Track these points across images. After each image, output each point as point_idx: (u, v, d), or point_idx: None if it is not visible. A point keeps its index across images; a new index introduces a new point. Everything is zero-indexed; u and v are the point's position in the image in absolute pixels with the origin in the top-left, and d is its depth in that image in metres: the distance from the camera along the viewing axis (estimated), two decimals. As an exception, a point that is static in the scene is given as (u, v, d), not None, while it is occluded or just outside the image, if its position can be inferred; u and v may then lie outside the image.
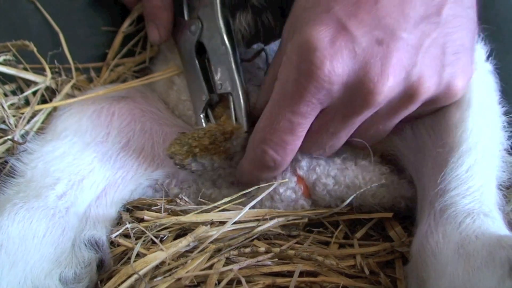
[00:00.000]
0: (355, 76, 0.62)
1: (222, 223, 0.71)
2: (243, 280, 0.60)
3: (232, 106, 0.78)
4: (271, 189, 0.73)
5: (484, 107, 0.70)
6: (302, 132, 0.67)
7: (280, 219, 0.73)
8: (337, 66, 0.61)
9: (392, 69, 0.61)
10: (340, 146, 0.73)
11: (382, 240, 0.75)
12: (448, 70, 0.65)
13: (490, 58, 0.75)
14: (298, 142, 0.69)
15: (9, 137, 0.79)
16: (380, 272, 0.68)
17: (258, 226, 0.71)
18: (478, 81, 0.70)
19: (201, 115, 0.82)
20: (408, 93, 0.64)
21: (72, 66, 0.90)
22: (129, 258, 0.68)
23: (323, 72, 0.61)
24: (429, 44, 0.63)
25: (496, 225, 0.62)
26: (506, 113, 0.73)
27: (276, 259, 0.68)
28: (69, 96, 0.87)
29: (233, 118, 0.78)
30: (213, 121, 0.82)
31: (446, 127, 0.69)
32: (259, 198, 0.72)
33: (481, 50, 0.74)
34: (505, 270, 0.53)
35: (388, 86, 0.62)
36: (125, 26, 0.94)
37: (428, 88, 0.64)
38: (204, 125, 0.81)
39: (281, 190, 0.76)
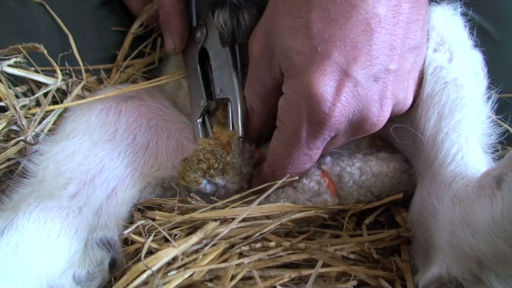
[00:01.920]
0: (359, 113, 0.66)
1: (234, 219, 0.70)
2: (255, 273, 0.60)
3: (229, 111, 0.78)
4: (276, 186, 0.71)
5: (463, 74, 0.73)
6: (318, 156, 0.72)
7: (293, 215, 0.71)
8: (344, 110, 0.65)
9: (389, 102, 0.67)
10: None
11: (390, 226, 0.77)
12: (414, 87, 0.71)
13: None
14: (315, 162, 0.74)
15: (21, 138, 0.78)
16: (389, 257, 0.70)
17: (270, 224, 0.70)
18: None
19: (198, 121, 0.82)
20: (396, 112, 0.70)
21: (82, 67, 0.90)
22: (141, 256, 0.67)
23: (333, 117, 0.65)
24: (414, 68, 0.70)
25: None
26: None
27: (289, 251, 0.67)
28: (79, 97, 0.86)
29: (230, 123, 0.78)
30: (209, 128, 0.82)
31: (420, 102, 0.72)
32: (266, 194, 0.70)
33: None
34: (493, 186, 0.57)
35: (386, 117, 0.68)
36: (135, 28, 0.93)
37: (409, 104, 0.71)
38: (200, 131, 0.82)
39: (305, 181, 0.75)
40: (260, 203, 0.70)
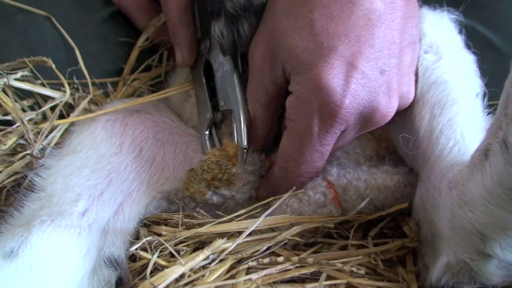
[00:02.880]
0: (369, 105, 0.67)
1: (240, 232, 0.70)
2: None
3: (233, 122, 0.78)
4: (284, 198, 0.73)
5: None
6: (329, 152, 0.72)
7: (299, 226, 0.71)
8: (354, 101, 0.66)
9: (396, 93, 0.69)
10: None
11: (395, 236, 0.77)
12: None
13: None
14: (325, 160, 0.74)
15: (28, 151, 0.78)
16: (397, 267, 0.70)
17: (276, 236, 0.69)
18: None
19: (206, 133, 0.82)
20: (400, 106, 0.72)
21: (89, 81, 0.89)
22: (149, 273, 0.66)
23: (344, 110, 0.66)
24: (413, 62, 0.73)
25: None
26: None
27: (297, 264, 0.67)
28: (86, 111, 0.86)
29: (235, 135, 0.78)
30: (216, 140, 0.82)
31: (413, 102, 0.74)
32: (273, 207, 0.71)
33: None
34: (481, 159, 0.59)
35: (395, 108, 0.70)
36: (141, 41, 0.93)
37: (412, 98, 0.73)
38: (207, 142, 0.82)
39: (311, 193, 0.75)
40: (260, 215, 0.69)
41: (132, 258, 0.72)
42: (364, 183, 0.75)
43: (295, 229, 0.71)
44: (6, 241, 0.63)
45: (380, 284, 0.66)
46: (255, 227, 0.69)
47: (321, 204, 0.75)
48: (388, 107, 0.69)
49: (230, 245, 0.66)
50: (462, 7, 0.80)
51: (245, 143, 0.77)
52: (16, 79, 0.83)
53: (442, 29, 0.78)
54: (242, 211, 0.73)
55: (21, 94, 0.86)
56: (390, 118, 0.70)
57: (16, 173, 0.79)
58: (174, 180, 0.81)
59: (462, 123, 0.70)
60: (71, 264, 0.65)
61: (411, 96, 0.72)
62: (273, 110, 0.75)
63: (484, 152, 0.59)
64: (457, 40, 0.79)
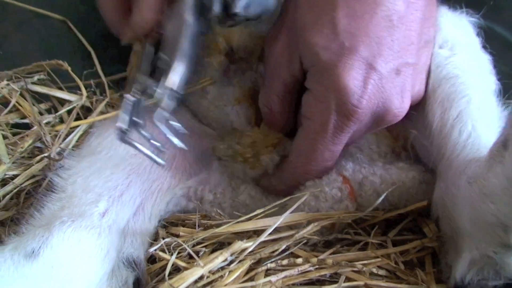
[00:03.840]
0: (382, 105, 0.68)
1: (258, 232, 0.69)
2: None
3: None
4: (303, 199, 0.71)
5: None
6: (339, 153, 0.72)
7: (316, 224, 0.70)
8: (370, 102, 0.66)
9: (408, 94, 0.69)
10: None
11: (414, 237, 0.75)
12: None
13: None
14: (335, 161, 0.74)
15: (46, 154, 0.77)
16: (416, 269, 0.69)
17: (294, 234, 0.68)
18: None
19: None
20: (412, 102, 0.71)
21: (106, 84, 0.88)
22: (168, 275, 0.65)
23: (361, 109, 0.66)
24: (427, 61, 0.73)
25: None
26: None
27: (316, 266, 0.66)
28: (103, 114, 0.85)
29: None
30: None
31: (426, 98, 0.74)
32: (294, 207, 0.69)
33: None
34: (501, 150, 0.59)
35: (407, 108, 0.70)
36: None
37: (422, 94, 0.73)
38: None
39: (327, 189, 0.73)
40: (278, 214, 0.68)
41: (151, 259, 0.71)
42: (380, 178, 0.74)
43: (313, 227, 0.69)
44: (27, 241, 0.63)
45: (399, 286, 0.65)
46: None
47: (338, 200, 0.74)
48: (401, 107, 0.69)
49: (250, 246, 0.65)
50: (484, 9, 0.79)
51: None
52: (33, 83, 0.83)
53: (459, 28, 0.78)
54: (259, 211, 0.71)
55: (38, 98, 0.86)
56: (401, 117, 0.70)
57: (34, 176, 0.78)
58: (200, 173, 0.81)
59: (472, 115, 0.69)
60: (91, 264, 0.64)
61: (422, 93, 0.73)
62: (290, 101, 0.75)
63: (503, 143, 0.58)
64: (474, 41, 0.78)
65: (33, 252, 0.61)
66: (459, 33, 0.76)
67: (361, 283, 0.64)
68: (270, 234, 0.67)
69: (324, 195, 0.73)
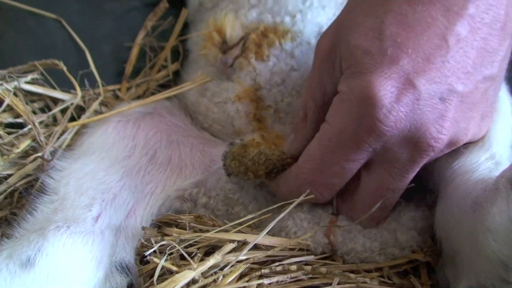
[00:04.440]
0: (415, 131, 0.59)
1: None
2: None
3: None
4: (294, 204, 0.67)
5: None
6: (351, 175, 0.65)
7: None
8: (399, 122, 0.59)
9: (449, 125, 0.60)
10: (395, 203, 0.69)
11: None
12: (485, 120, 0.66)
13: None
14: (344, 183, 0.67)
15: (39, 154, 0.76)
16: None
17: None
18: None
19: None
20: (452, 143, 0.63)
21: (100, 83, 0.87)
22: (160, 276, 0.64)
23: (386, 126, 0.59)
24: (482, 100, 0.63)
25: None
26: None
27: (310, 275, 0.65)
28: (97, 113, 0.84)
29: None
30: None
31: None
32: (280, 216, 0.66)
33: None
34: (508, 188, 0.55)
35: (444, 142, 0.61)
36: (140, 38, 0.91)
37: (468, 138, 0.65)
38: None
39: (306, 224, 0.70)
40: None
41: (144, 260, 0.70)
42: (369, 250, 0.69)
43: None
44: (22, 248, 0.62)
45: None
46: (259, 243, 0.66)
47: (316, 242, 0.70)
48: (437, 138, 0.60)
49: (240, 253, 0.64)
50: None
51: None
52: (27, 82, 0.82)
53: None
54: (250, 216, 0.70)
55: (32, 97, 0.84)
56: (436, 151, 0.61)
57: (28, 175, 0.77)
58: (196, 175, 0.79)
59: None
60: (86, 271, 0.63)
61: (468, 136, 0.64)
62: (325, 113, 0.67)
63: (510, 181, 0.55)
64: None
65: (28, 260, 0.61)
66: None
67: (353, 285, 0.64)
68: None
69: (303, 224, 0.71)
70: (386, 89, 0.58)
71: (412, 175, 0.64)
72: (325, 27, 0.76)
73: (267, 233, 0.65)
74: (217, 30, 0.81)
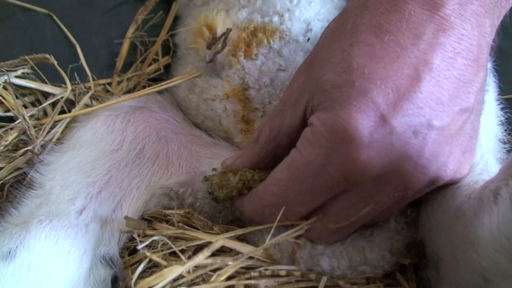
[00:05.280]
0: (389, 168, 0.55)
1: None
2: None
3: None
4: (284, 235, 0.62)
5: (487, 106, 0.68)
6: (316, 206, 0.61)
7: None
8: (372, 161, 0.54)
9: (425, 162, 0.56)
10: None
11: None
12: (466, 155, 0.61)
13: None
14: (310, 210, 0.62)
15: (29, 148, 0.75)
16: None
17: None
18: None
19: None
20: (432, 181, 0.58)
21: (90, 76, 0.86)
22: (147, 269, 0.65)
23: (357, 166, 0.54)
24: (460, 133, 0.58)
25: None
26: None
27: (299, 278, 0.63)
28: (87, 106, 0.83)
29: None
30: None
31: None
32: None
33: None
34: (490, 200, 0.52)
35: (420, 180, 0.57)
36: (131, 33, 0.90)
37: (449, 175, 0.59)
38: None
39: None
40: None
41: (130, 251, 0.70)
42: (338, 268, 0.65)
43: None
44: (3, 241, 0.61)
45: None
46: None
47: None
48: (414, 176, 0.56)
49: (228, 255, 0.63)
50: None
51: None
52: (17, 76, 0.81)
53: None
54: (239, 231, 0.68)
55: (23, 92, 0.83)
56: (413, 188, 0.57)
57: (18, 169, 0.76)
58: (181, 175, 0.78)
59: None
60: (69, 264, 0.62)
61: (447, 172, 0.58)
62: (278, 144, 0.65)
63: (494, 194, 0.52)
64: None
65: (9, 252, 0.60)
66: None
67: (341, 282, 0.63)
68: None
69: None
70: (357, 123, 0.53)
71: (383, 207, 0.61)
72: (312, 23, 0.75)
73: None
74: (208, 26, 0.80)
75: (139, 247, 0.64)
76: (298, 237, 0.65)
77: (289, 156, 0.61)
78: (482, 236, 0.52)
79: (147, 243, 0.64)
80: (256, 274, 0.62)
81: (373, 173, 0.55)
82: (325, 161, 0.56)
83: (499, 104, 0.73)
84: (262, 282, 0.61)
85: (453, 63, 0.55)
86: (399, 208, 0.65)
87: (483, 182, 0.59)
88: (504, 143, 0.72)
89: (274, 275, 0.63)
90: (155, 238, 0.64)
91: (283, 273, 0.63)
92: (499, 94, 0.73)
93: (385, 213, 0.64)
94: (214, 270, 0.61)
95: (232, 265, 0.61)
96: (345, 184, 0.57)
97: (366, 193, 0.58)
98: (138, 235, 0.67)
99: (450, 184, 0.61)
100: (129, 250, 0.71)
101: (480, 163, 0.64)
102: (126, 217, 0.70)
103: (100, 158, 0.73)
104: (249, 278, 0.62)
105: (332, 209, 0.61)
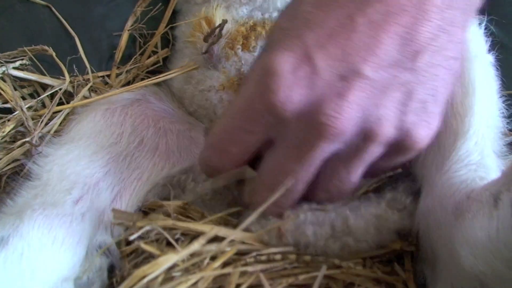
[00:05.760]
0: (310, 107, 0.54)
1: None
2: (263, 278, 0.56)
3: None
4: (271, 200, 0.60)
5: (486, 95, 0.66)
6: (249, 149, 0.61)
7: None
8: (292, 95, 0.54)
9: (347, 105, 0.54)
10: (299, 192, 0.63)
11: None
12: (410, 116, 0.57)
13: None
14: (242, 158, 0.62)
15: (27, 139, 0.75)
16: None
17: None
18: (481, 72, 0.67)
19: None
20: (366, 134, 0.56)
21: (89, 69, 0.85)
22: (145, 259, 0.64)
23: (277, 98, 0.54)
24: (395, 88, 0.56)
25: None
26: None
27: (296, 263, 0.62)
28: (86, 98, 0.82)
29: None
30: None
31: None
32: (256, 214, 0.60)
33: (483, 42, 0.71)
34: (490, 204, 0.52)
35: (341, 122, 0.54)
36: (130, 25, 0.89)
37: (387, 131, 0.56)
38: None
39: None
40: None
41: (129, 244, 0.68)
42: (322, 237, 0.63)
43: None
44: None
45: (379, 276, 0.62)
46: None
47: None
48: (333, 116, 0.54)
49: (226, 240, 0.61)
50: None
51: None
52: (15, 68, 0.80)
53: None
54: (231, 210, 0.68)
55: (22, 84, 0.83)
56: (334, 132, 0.55)
57: (16, 160, 0.76)
58: (183, 163, 0.77)
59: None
60: (63, 252, 0.61)
61: (381, 127, 0.56)
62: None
63: (494, 197, 0.52)
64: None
65: (1, 240, 0.59)
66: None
67: (337, 271, 0.62)
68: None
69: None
70: (283, 59, 0.54)
71: (311, 161, 0.58)
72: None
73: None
74: (207, 20, 0.79)
75: (132, 237, 0.63)
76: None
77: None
78: (480, 239, 0.51)
79: (138, 233, 0.63)
80: (252, 260, 0.61)
81: (293, 107, 0.54)
82: (252, 94, 0.57)
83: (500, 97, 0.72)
84: (258, 268, 0.60)
85: (396, 18, 0.54)
86: (352, 174, 0.61)
87: (480, 180, 0.58)
88: (506, 135, 0.71)
89: (270, 260, 0.61)
90: (147, 228, 0.63)
91: (278, 257, 0.61)
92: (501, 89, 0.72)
93: (340, 181, 0.62)
94: (211, 259, 0.60)
95: (228, 251, 0.60)
96: (270, 119, 0.56)
97: (294, 140, 0.57)
98: (129, 227, 0.65)
99: (445, 171, 0.61)
100: (127, 240, 0.70)
101: (475, 152, 0.62)
102: (113, 210, 0.68)
103: (99, 151, 0.72)
104: (246, 265, 0.60)
105: (265, 164, 0.61)
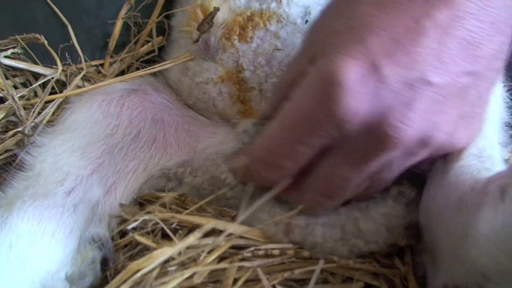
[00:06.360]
0: (375, 118, 0.52)
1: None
2: (260, 272, 0.55)
3: None
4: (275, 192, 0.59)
5: None
6: (302, 161, 0.58)
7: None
8: (358, 107, 0.51)
9: (414, 116, 0.52)
10: (348, 197, 0.62)
11: None
12: (462, 122, 0.57)
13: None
14: (294, 170, 0.59)
15: (19, 129, 0.73)
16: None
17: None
18: None
19: None
20: (424, 141, 0.55)
21: (82, 57, 0.83)
22: (140, 252, 0.63)
23: (342, 110, 0.51)
24: (454, 93, 0.54)
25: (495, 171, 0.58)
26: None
27: (294, 258, 0.61)
28: (79, 87, 0.80)
29: None
30: None
31: None
32: (259, 203, 0.58)
33: None
34: (496, 196, 0.50)
35: (407, 132, 0.53)
36: (123, 13, 0.86)
37: (443, 137, 0.55)
38: None
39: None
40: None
41: (124, 236, 0.67)
42: (331, 239, 0.62)
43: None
44: None
45: (378, 269, 0.61)
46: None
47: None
48: (398, 127, 0.52)
49: (220, 236, 0.59)
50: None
51: None
52: (7, 57, 0.78)
53: None
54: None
55: (14, 73, 0.81)
56: (398, 142, 0.53)
57: (8, 150, 0.74)
58: (180, 156, 0.75)
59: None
60: (53, 244, 0.60)
61: (439, 134, 0.54)
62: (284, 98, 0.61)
63: (501, 190, 0.50)
64: None
65: None
66: None
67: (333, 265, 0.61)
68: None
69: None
70: (348, 69, 0.51)
71: (369, 169, 0.57)
72: (311, 6, 0.73)
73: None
74: (202, 9, 0.77)
75: (129, 227, 0.62)
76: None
77: (281, 107, 0.58)
78: (485, 232, 0.49)
79: (134, 224, 0.61)
80: (249, 254, 0.59)
81: (359, 120, 0.52)
82: (313, 105, 0.53)
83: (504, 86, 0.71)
84: (256, 263, 0.58)
85: (463, 22, 0.52)
86: (393, 175, 0.61)
87: (486, 172, 0.57)
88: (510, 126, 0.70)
89: (268, 255, 0.60)
90: (145, 217, 0.61)
91: (276, 252, 0.60)
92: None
93: (379, 182, 0.61)
94: (209, 253, 0.58)
95: (223, 245, 0.59)
96: (332, 131, 0.54)
97: (353, 149, 0.55)
98: (126, 219, 0.64)
99: (450, 162, 0.59)
100: (121, 232, 0.68)
101: (481, 144, 0.60)
102: (120, 204, 0.68)
103: (94, 142, 0.71)
104: (243, 259, 0.59)
105: (320, 169, 0.59)
